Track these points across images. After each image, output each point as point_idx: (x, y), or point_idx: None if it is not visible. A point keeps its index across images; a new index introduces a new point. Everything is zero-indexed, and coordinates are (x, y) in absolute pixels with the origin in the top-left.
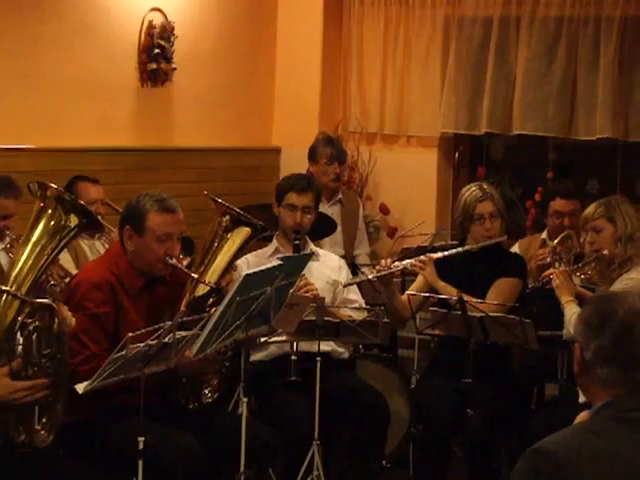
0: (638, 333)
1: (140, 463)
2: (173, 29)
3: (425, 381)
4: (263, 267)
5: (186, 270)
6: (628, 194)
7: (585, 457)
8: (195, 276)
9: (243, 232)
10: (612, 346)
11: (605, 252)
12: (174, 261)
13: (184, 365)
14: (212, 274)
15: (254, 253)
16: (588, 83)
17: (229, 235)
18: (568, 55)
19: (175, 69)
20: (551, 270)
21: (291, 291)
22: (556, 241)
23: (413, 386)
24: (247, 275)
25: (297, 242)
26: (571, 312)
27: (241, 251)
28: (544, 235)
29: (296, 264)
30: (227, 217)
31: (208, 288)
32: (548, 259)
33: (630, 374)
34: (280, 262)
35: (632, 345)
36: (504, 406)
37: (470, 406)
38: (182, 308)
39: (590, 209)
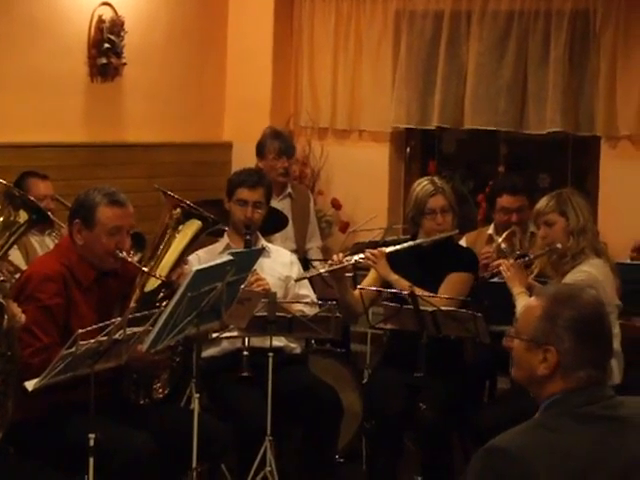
0: (597, 331)
1: (91, 460)
2: (123, 24)
3: (377, 375)
4: (214, 262)
5: (137, 264)
6: (579, 187)
7: (538, 453)
8: (145, 270)
9: (194, 225)
10: (583, 347)
11: (558, 245)
12: (124, 254)
13: (135, 360)
14: (163, 268)
15: (205, 249)
16: (538, 77)
17: (180, 228)
18: (519, 49)
19: (125, 64)
20: (501, 260)
21: (242, 286)
22: (501, 239)
23: (365, 380)
24: (198, 271)
25: (248, 237)
26: (522, 303)
27: (192, 244)
28: (491, 230)
29: (247, 259)
30: (178, 210)
31: (159, 282)
32: (493, 257)
33: (592, 372)
34: (231, 257)
35: (594, 344)
36: (456, 400)
37: (422, 400)
38: (132, 303)
39: (542, 203)
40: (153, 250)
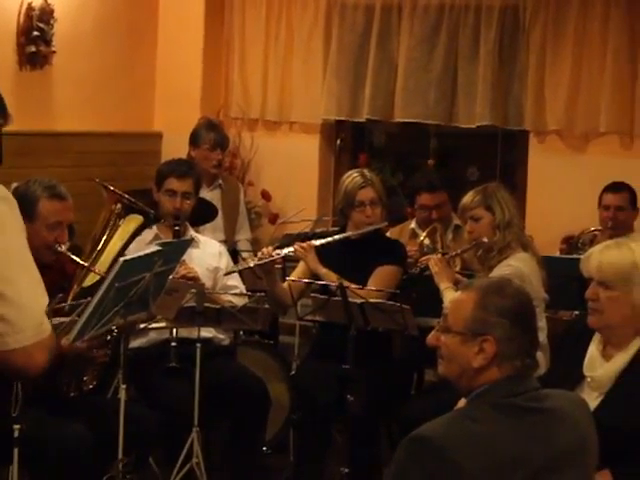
0: (528, 320)
1: (16, 451)
2: (53, 12)
3: (306, 367)
4: (142, 253)
5: (76, 258)
6: (507, 181)
7: (461, 443)
8: (85, 264)
9: (135, 220)
10: (519, 335)
11: (484, 240)
12: (63, 249)
13: (74, 354)
14: (102, 263)
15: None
16: (468, 71)
17: (120, 223)
18: (449, 43)
19: (55, 52)
20: (429, 256)
21: (170, 277)
22: (423, 236)
23: (294, 372)
24: (125, 261)
25: (177, 228)
26: (450, 298)
27: (133, 240)
28: (413, 225)
29: (175, 250)
30: (119, 205)
31: (98, 277)
32: (417, 254)
33: (527, 362)
34: (159, 248)
35: (527, 333)
36: (384, 391)
37: (350, 392)
38: (70, 299)
39: (467, 198)
40: (93, 245)
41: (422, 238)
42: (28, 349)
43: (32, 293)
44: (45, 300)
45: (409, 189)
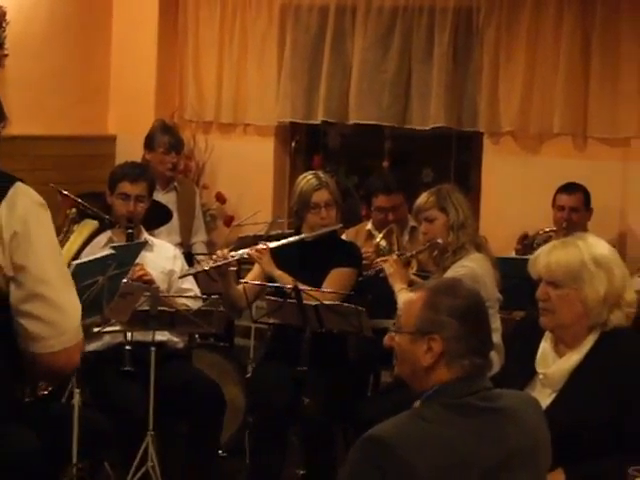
0: (479, 320)
1: None
2: (5, 14)
3: (261, 369)
4: (94, 256)
5: None
6: (462, 182)
7: (415, 443)
8: None
9: (90, 225)
10: (468, 335)
11: (439, 241)
12: None
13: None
14: None
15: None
16: (422, 73)
17: (75, 228)
18: (403, 45)
19: (7, 55)
20: (384, 258)
21: (124, 280)
22: (379, 238)
23: (249, 375)
24: (78, 264)
25: (130, 231)
26: (403, 299)
27: (87, 245)
28: (369, 226)
29: (129, 253)
30: (74, 210)
31: None
32: (373, 256)
33: (477, 361)
34: (112, 251)
35: (477, 333)
36: (340, 393)
37: (305, 394)
38: None
39: (421, 199)
40: None
41: (378, 239)
42: (70, 350)
43: (70, 295)
44: (79, 302)
45: (366, 191)
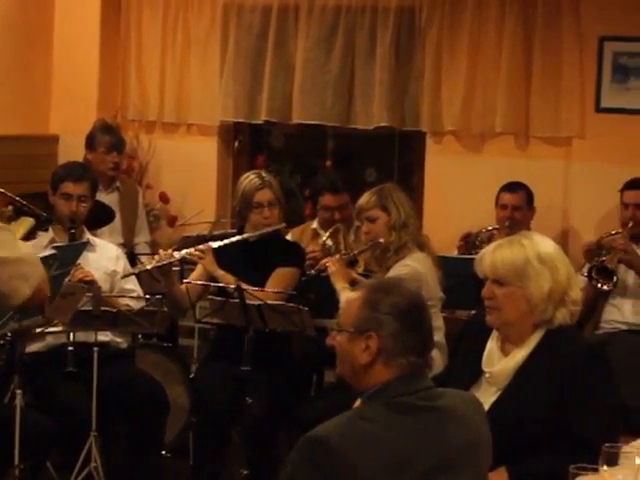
0: (418, 319)
1: None
2: None
3: (205, 370)
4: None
5: None
6: (405, 182)
7: (355, 443)
8: None
9: (26, 223)
10: (405, 333)
11: (380, 240)
12: None
13: None
14: None
15: (29, 243)
16: (365, 73)
17: (12, 225)
18: (346, 45)
19: None
20: (327, 259)
21: (66, 280)
22: (325, 236)
23: (193, 375)
24: None
25: (72, 231)
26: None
27: (25, 242)
28: (315, 225)
29: (71, 253)
30: (10, 208)
31: None
32: (319, 255)
33: (414, 360)
34: (54, 251)
35: (415, 332)
36: (283, 393)
37: (249, 393)
38: None
39: (363, 199)
40: None
41: (324, 239)
42: (40, 286)
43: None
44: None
45: (312, 189)
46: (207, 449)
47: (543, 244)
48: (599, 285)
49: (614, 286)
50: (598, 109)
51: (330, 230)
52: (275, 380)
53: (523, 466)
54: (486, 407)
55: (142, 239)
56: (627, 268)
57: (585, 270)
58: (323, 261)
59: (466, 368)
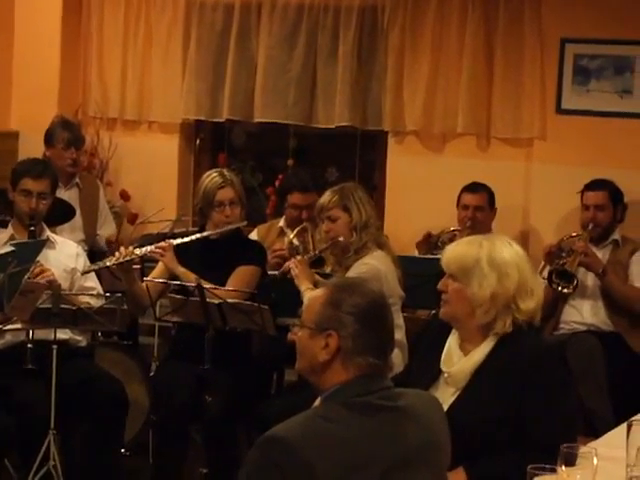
0: (378, 320)
1: None
2: None
3: (164, 368)
4: None
5: None
6: (366, 181)
7: (315, 443)
8: None
9: None
10: (365, 333)
11: (341, 240)
12: None
13: None
14: None
15: None
16: (327, 72)
17: None
18: (308, 44)
19: None
20: (290, 262)
21: (25, 278)
22: (292, 235)
23: (153, 373)
24: None
25: (32, 228)
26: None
27: None
28: (282, 223)
29: (30, 250)
30: None
31: None
32: (285, 253)
33: (372, 360)
34: (12, 248)
35: (375, 332)
36: (243, 392)
37: (208, 392)
38: None
39: (325, 198)
40: None
41: (291, 237)
42: None
43: None
44: None
45: (281, 187)
46: (167, 447)
47: (502, 249)
48: (559, 288)
49: (574, 289)
50: (559, 110)
51: (297, 229)
52: (235, 379)
53: (481, 466)
54: (445, 407)
55: (107, 232)
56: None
57: (545, 273)
58: (286, 264)
59: (426, 368)
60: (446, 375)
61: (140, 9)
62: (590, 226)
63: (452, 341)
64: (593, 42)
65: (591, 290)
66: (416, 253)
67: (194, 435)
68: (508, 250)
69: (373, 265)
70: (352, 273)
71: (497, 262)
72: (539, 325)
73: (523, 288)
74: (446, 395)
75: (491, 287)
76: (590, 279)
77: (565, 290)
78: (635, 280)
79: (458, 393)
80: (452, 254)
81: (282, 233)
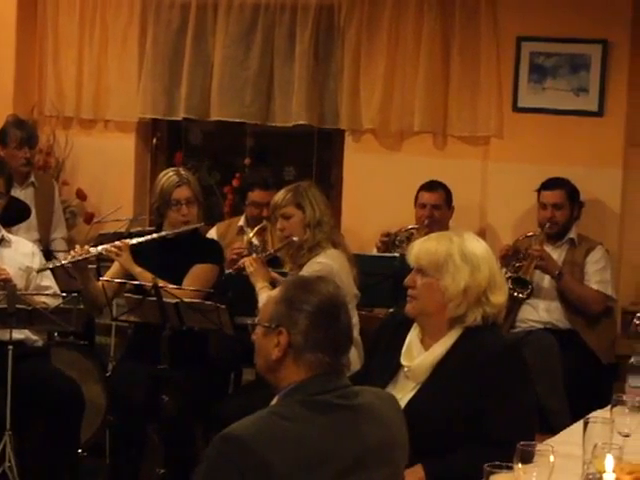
0: (331, 318)
1: None
2: None
3: (121, 368)
4: None
5: None
6: (324, 180)
7: (271, 441)
8: None
9: None
10: (315, 331)
11: (295, 238)
12: None
13: None
14: None
15: None
16: (284, 70)
17: None
18: (265, 42)
19: None
20: (245, 259)
21: None
22: (252, 233)
23: (109, 373)
24: None
25: None
26: (265, 297)
27: None
28: (241, 222)
29: None
30: None
31: None
32: (245, 252)
33: (323, 358)
34: None
35: (327, 330)
36: (200, 391)
37: (165, 392)
38: None
39: (279, 196)
40: None
41: (251, 236)
42: None
43: None
44: None
45: (242, 185)
46: (124, 448)
47: (472, 244)
48: (515, 294)
49: (529, 295)
50: (515, 109)
51: (257, 228)
52: (192, 378)
53: (439, 463)
54: (404, 402)
55: (58, 235)
56: None
57: None
58: (241, 261)
59: (385, 364)
60: (406, 369)
61: (96, 8)
62: (547, 225)
63: (413, 336)
64: (549, 40)
65: (548, 290)
66: (374, 252)
67: (151, 435)
68: (477, 245)
69: (326, 264)
70: (305, 271)
71: (469, 256)
72: (500, 322)
73: (493, 282)
74: (406, 390)
75: (464, 280)
76: (547, 280)
77: (520, 295)
78: (591, 281)
79: (418, 387)
80: (422, 249)
81: (242, 232)
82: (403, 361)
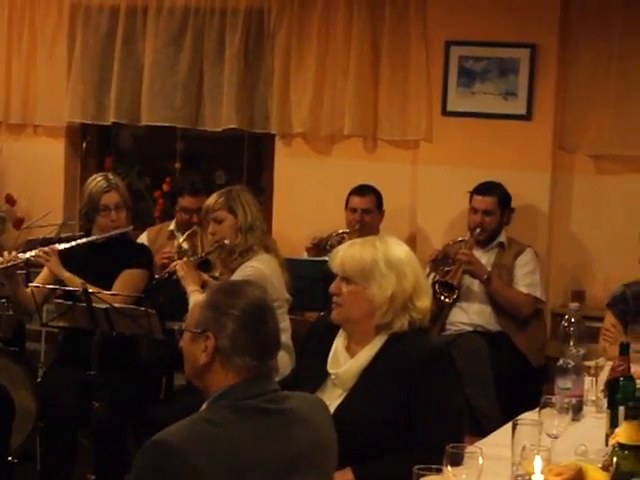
0: (258, 322)
1: None
2: None
3: (51, 373)
4: None
5: None
6: (255, 184)
7: (200, 447)
8: None
9: None
10: (242, 334)
11: (226, 242)
12: None
13: None
14: None
15: None
16: (214, 74)
17: None
18: (194, 46)
19: None
20: (175, 262)
21: None
22: (182, 239)
23: (39, 379)
24: None
25: None
26: (194, 300)
27: None
28: (172, 226)
29: None
30: None
31: None
32: (175, 256)
33: (251, 362)
34: None
35: (254, 334)
36: (131, 396)
37: (96, 397)
38: None
39: (211, 200)
40: None
41: (181, 241)
42: None
43: None
44: None
45: (172, 190)
46: (55, 454)
47: (395, 249)
48: (442, 298)
49: (455, 300)
50: (444, 112)
51: (187, 233)
52: (123, 383)
53: (368, 467)
54: (332, 409)
55: None
56: None
57: (430, 280)
58: (172, 265)
59: (313, 370)
60: (333, 377)
61: (24, 11)
62: (477, 231)
63: (339, 343)
64: (478, 44)
65: (478, 293)
66: (305, 256)
67: (82, 441)
68: (401, 249)
69: (257, 268)
70: (237, 276)
71: (394, 262)
72: (426, 326)
73: (418, 286)
74: (333, 397)
75: (391, 288)
76: (477, 283)
77: (447, 300)
78: (520, 284)
79: (345, 394)
80: (346, 256)
81: (172, 236)
82: (329, 369)
